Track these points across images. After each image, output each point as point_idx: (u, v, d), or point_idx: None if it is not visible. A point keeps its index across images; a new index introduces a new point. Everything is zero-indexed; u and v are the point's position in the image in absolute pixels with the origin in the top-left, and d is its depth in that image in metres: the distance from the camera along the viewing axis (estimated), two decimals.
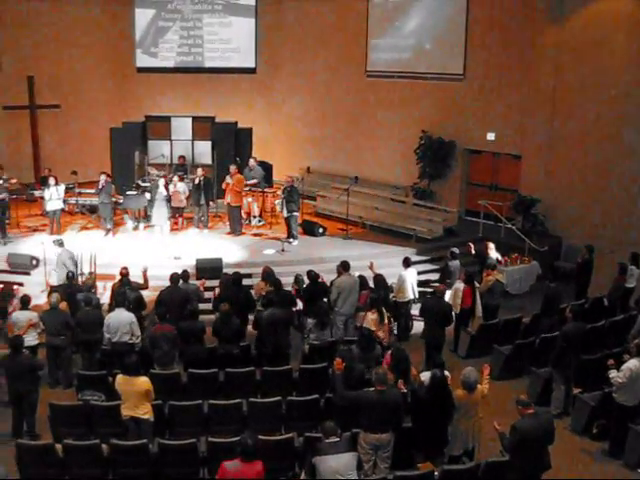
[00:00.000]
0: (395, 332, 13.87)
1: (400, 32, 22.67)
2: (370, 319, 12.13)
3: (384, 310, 12.34)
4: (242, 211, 19.69)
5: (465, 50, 21.03)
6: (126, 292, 12.84)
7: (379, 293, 13.25)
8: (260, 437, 8.85)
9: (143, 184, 19.92)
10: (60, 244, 15.25)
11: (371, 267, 14.46)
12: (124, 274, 13.55)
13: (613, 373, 10.26)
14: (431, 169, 21.72)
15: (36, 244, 17.14)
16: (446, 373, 9.61)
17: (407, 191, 22.24)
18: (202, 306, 13.31)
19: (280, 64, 25.95)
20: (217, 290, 13.56)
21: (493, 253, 15.76)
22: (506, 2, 20.02)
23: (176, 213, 19.24)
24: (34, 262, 16.59)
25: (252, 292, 13.83)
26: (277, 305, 12.31)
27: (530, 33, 19.46)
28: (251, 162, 20.40)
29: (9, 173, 20.07)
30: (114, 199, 19.13)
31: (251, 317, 13.00)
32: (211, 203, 19.86)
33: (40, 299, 14.67)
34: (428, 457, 9.53)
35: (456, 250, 15.48)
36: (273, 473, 8.70)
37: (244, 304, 12.90)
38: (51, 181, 18.65)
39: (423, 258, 18.17)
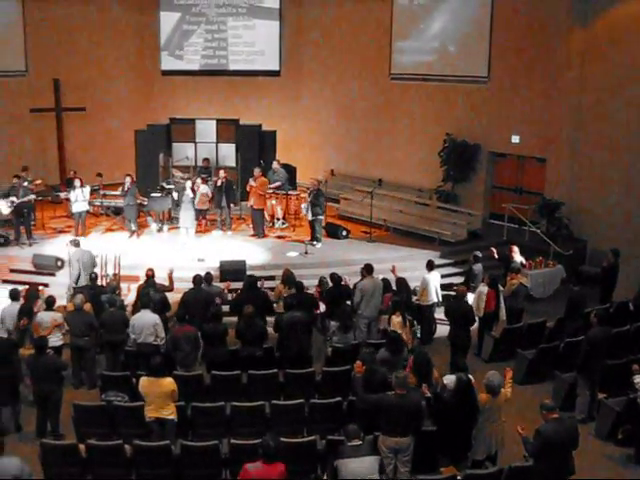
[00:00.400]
0: (418, 335, 13.84)
1: (424, 35, 22.62)
2: (395, 322, 12.15)
3: (405, 313, 12.30)
4: (266, 214, 19.72)
5: (489, 52, 20.93)
6: (150, 293, 12.91)
7: (401, 296, 13.23)
8: (282, 439, 8.86)
9: (167, 186, 20.02)
10: (75, 244, 15.38)
11: (393, 271, 14.43)
12: (149, 275, 13.63)
13: (638, 378, 10.16)
14: (455, 172, 21.63)
15: (61, 245, 17.27)
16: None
17: (431, 194, 22.14)
18: (225, 308, 13.33)
19: (304, 67, 25.99)
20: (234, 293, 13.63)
21: (517, 257, 15.66)
22: (530, 4, 19.89)
23: (199, 215, 19.30)
24: (59, 263, 16.71)
25: (270, 294, 13.85)
26: (298, 308, 12.31)
27: (555, 35, 19.33)
28: (274, 165, 20.44)
29: (35, 175, 20.26)
30: (139, 201, 19.24)
31: (269, 319, 12.97)
32: (232, 205, 19.86)
33: (65, 300, 14.76)
34: (452, 461, 9.48)
35: (479, 254, 15.42)
36: (295, 475, 8.67)
37: (262, 306, 12.86)
38: (77, 183, 18.80)
39: (447, 261, 18.12)
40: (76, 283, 14.93)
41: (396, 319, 12.18)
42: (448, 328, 13.27)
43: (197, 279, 13.17)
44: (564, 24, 19.12)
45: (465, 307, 13.04)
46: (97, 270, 15.04)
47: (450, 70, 21.99)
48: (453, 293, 15.86)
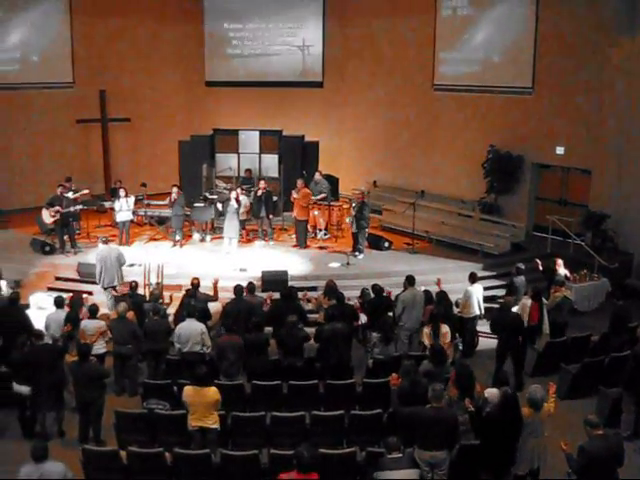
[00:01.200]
0: (460, 348, 13.74)
1: (468, 45, 22.52)
2: (424, 333, 12.27)
3: (442, 326, 12.23)
4: (308, 224, 19.74)
5: (534, 63, 20.74)
6: (191, 303, 12.98)
7: (439, 309, 13.13)
8: (322, 450, 8.83)
9: (210, 196, 20.16)
10: (103, 242, 15.64)
11: (438, 284, 14.34)
12: (194, 284, 13.73)
13: None
14: (499, 183, 21.46)
15: None
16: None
17: (474, 206, 21.98)
18: None
19: (347, 78, 26.03)
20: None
21: (561, 269, 15.48)
22: (576, 15, 19.65)
23: (240, 226, 19.31)
24: None
25: (308, 304, 13.84)
26: (339, 319, 12.29)
27: (601, 45, 19.07)
28: (317, 176, 20.49)
29: (80, 184, 20.54)
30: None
31: (309, 330, 12.93)
32: (272, 216, 19.92)
33: (105, 306, 14.95)
34: (494, 476, 9.36)
35: (522, 266, 15.25)
36: None
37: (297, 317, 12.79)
38: (121, 193, 19.04)
39: (490, 273, 17.94)
40: (99, 281, 15.18)
41: (426, 330, 12.25)
42: (490, 341, 13.14)
43: (238, 289, 13.21)
44: (611, 34, 18.87)
45: (512, 316, 12.92)
46: (140, 279, 15.23)
47: (494, 81, 21.84)
48: (497, 305, 15.82)
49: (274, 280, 16.13)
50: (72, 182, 20.16)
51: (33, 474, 7.83)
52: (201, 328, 11.99)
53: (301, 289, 15.01)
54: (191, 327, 11.98)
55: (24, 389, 10.98)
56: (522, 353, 13.01)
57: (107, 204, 20.87)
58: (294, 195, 19.18)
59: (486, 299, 15.17)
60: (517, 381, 12.48)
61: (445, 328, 12.22)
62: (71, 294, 14.32)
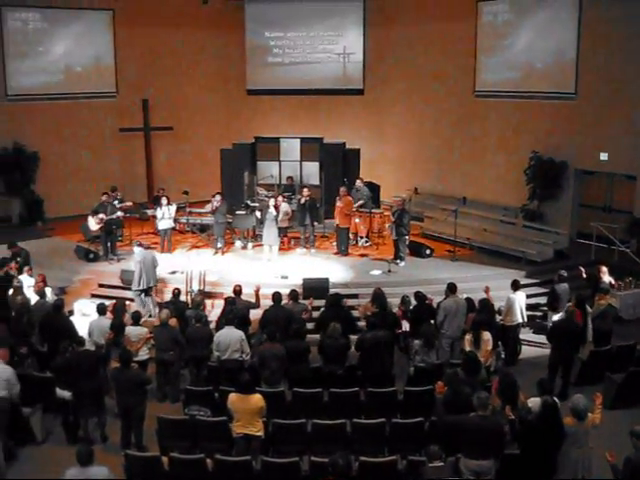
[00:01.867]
0: (502, 356, 13.60)
1: (510, 51, 22.35)
2: (466, 339, 12.19)
3: (484, 333, 12.12)
4: (349, 232, 19.70)
5: (577, 68, 20.50)
6: (233, 310, 13.03)
7: (481, 316, 13.02)
8: (362, 459, 8.79)
9: (252, 204, 20.24)
10: (139, 245, 15.90)
11: (487, 292, 14.20)
12: (236, 292, 13.79)
13: None
14: (541, 190, 21.25)
15: None
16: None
17: (516, 212, 21.80)
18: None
19: (387, 85, 25.99)
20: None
21: (606, 277, 15.26)
22: (619, 19, 19.38)
23: (281, 233, 19.37)
24: None
25: (355, 312, 13.80)
26: (380, 327, 12.24)
27: None
28: (357, 183, 20.47)
29: (124, 192, 20.86)
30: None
31: (352, 337, 12.89)
32: (316, 223, 19.92)
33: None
34: None
35: (564, 273, 15.04)
36: None
37: (345, 324, 12.70)
38: (163, 201, 19.20)
39: (533, 281, 17.71)
40: (138, 284, 15.38)
41: (467, 337, 12.19)
42: (533, 349, 12.97)
43: (276, 296, 13.22)
44: None
45: (576, 326, 12.75)
46: (182, 286, 15.35)
47: (536, 86, 21.64)
48: (539, 313, 15.65)
49: (315, 287, 16.11)
50: (117, 192, 20.44)
51: (79, 477, 7.94)
52: (240, 335, 12.02)
53: (342, 296, 14.96)
54: (230, 334, 12.01)
55: (66, 394, 11.16)
56: (571, 363, 12.84)
57: (149, 212, 21.07)
58: (338, 204, 19.17)
59: (529, 307, 15.01)
60: (563, 390, 12.31)
61: (487, 335, 12.11)
62: (114, 301, 14.46)
